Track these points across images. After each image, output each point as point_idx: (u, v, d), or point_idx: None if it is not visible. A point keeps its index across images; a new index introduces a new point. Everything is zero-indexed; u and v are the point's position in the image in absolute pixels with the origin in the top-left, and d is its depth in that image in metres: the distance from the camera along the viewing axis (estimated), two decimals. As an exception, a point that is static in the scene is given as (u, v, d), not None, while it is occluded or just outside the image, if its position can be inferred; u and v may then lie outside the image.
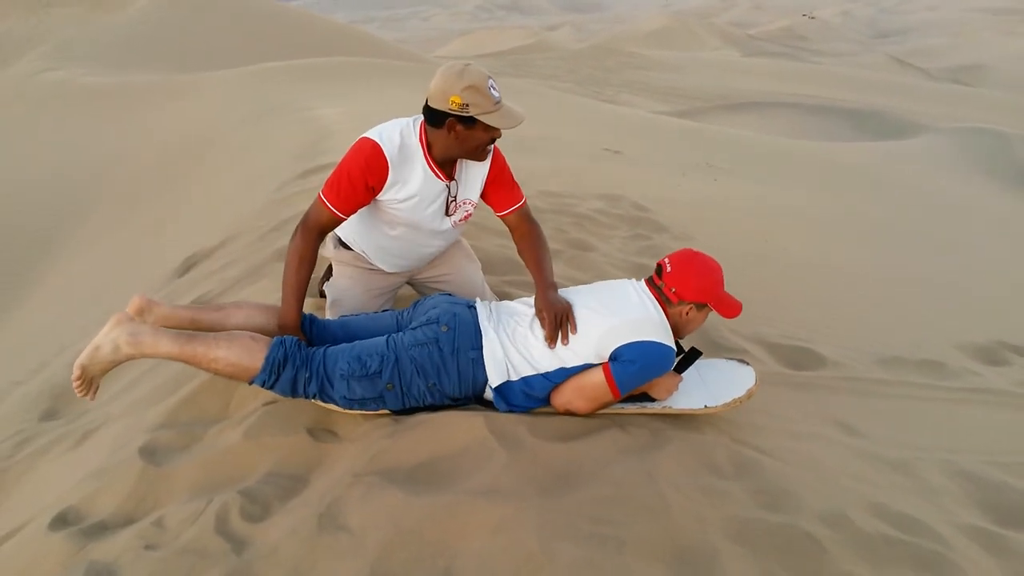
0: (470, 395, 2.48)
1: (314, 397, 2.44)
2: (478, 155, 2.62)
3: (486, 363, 2.41)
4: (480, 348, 2.42)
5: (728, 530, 2.08)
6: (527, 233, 2.81)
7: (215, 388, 2.78)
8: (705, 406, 2.54)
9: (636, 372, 2.39)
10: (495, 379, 2.41)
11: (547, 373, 2.42)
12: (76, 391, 2.41)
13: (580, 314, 2.45)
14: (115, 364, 2.41)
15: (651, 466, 2.31)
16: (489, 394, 2.47)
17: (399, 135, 2.58)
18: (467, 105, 2.42)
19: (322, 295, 3.13)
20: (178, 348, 2.36)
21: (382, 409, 2.46)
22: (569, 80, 28.90)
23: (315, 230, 2.57)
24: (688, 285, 2.44)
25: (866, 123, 19.18)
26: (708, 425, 2.64)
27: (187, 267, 4.68)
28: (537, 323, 2.47)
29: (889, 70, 34.70)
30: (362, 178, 2.53)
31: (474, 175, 2.76)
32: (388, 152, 2.54)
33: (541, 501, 2.10)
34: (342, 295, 2.95)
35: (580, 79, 29.60)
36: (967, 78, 32.82)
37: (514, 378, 2.42)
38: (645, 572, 1.89)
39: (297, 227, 2.58)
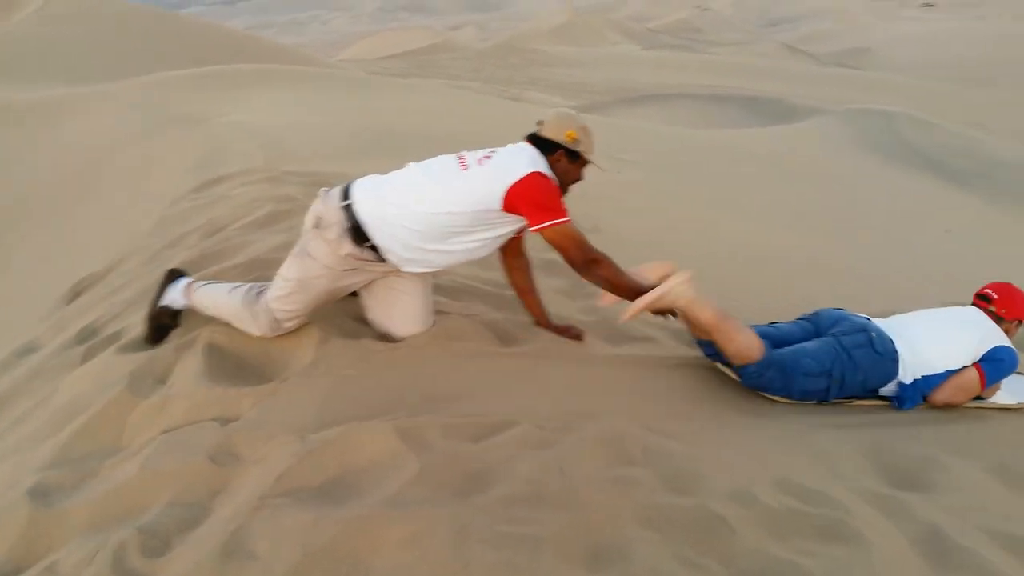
0: (878, 389, 3.05)
1: (769, 391, 2.99)
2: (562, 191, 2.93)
3: (901, 364, 2.98)
4: (896, 351, 2.97)
5: (640, 518, 2.11)
6: (524, 262, 3.34)
7: (109, 417, 2.65)
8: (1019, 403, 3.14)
9: (1003, 369, 3.04)
10: (906, 377, 3.00)
11: (939, 374, 3.01)
12: (627, 319, 2.95)
13: (950, 330, 3.12)
14: (667, 310, 2.92)
15: (563, 460, 2.33)
16: (888, 390, 3.05)
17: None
18: (579, 141, 2.86)
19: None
20: (716, 320, 2.89)
21: (819, 400, 3.01)
22: (475, 79, 28.95)
23: (586, 242, 2.89)
24: (1015, 307, 3.17)
25: (762, 109, 19.94)
26: (619, 415, 2.68)
27: (75, 293, 4.43)
28: (927, 334, 3.09)
29: (781, 57, 36.17)
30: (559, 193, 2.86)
31: None
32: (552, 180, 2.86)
33: (454, 506, 2.08)
34: (305, 286, 2.84)
35: (486, 77, 29.70)
36: (853, 61, 34.57)
37: (908, 380, 3.00)
38: (562, 570, 1.89)
39: (587, 262, 2.89)
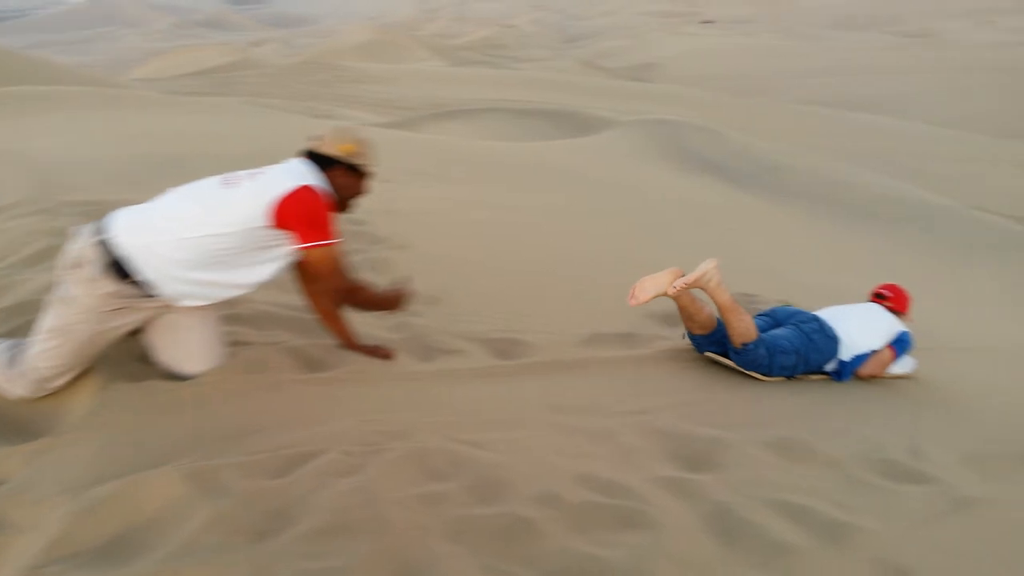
0: (824, 366, 3.82)
1: (757, 367, 3.60)
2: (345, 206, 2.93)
3: (841, 345, 3.78)
4: (839, 336, 3.78)
5: (448, 532, 2.12)
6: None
7: None
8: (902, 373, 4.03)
9: (906, 348, 3.97)
10: (844, 356, 3.82)
11: (865, 353, 3.85)
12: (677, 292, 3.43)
13: (864, 319, 3.98)
14: (696, 286, 3.44)
15: (369, 484, 2.29)
16: (830, 367, 3.85)
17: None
18: (357, 154, 2.85)
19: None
20: (732, 302, 3.51)
21: (788, 376, 3.71)
22: (280, 96, 27.93)
23: (346, 270, 2.88)
24: (903, 303, 4.14)
25: (566, 122, 20.86)
26: (427, 430, 2.68)
27: None
28: (854, 323, 3.89)
29: (580, 72, 38.10)
30: (329, 211, 2.76)
31: None
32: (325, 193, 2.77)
33: (252, 550, 1.97)
34: (68, 335, 2.56)
35: (292, 94, 28.71)
36: (644, 75, 37.12)
37: (846, 358, 3.82)
38: (369, 597, 1.85)
39: (341, 291, 2.91)
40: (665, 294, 3.44)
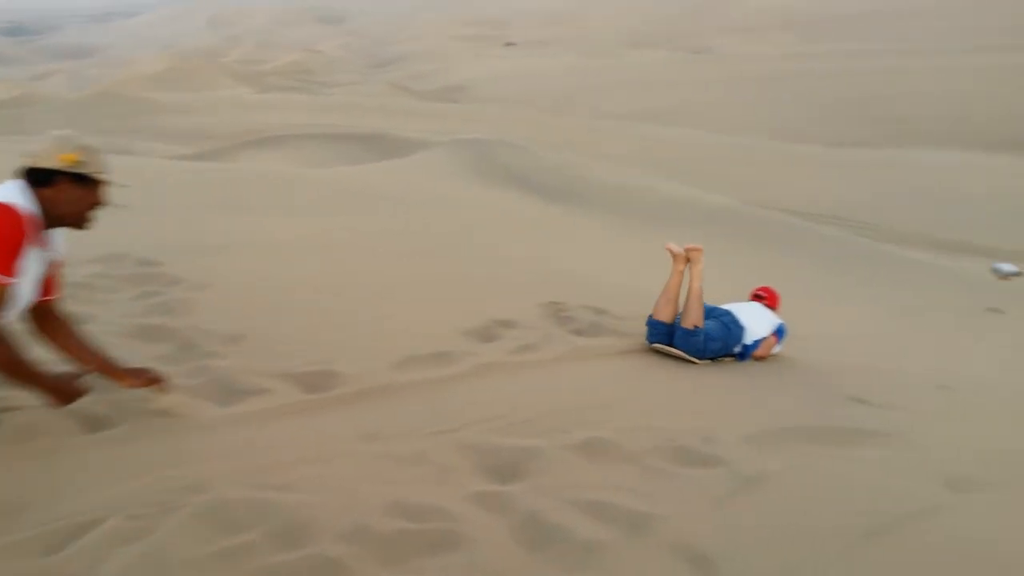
0: (733, 348, 4.71)
1: (695, 351, 4.41)
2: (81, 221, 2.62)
3: (751, 332, 4.72)
4: (743, 326, 4.69)
5: (251, 586, 1.99)
6: (65, 322, 2.87)
7: None
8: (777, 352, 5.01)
9: (784, 336, 4.96)
10: (746, 341, 4.73)
11: (758, 340, 4.78)
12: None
13: (751, 313, 4.87)
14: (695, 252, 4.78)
15: (159, 548, 2.10)
16: (736, 350, 4.72)
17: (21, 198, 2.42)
18: (82, 163, 2.52)
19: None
20: (699, 290, 4.53)
21: (712, 358, 4.56)
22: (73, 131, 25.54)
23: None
24: (775, 301, 5.17)
25: (379, 145, 20.75)
26: (224, 481, 2.51)
27: None
28: (749, 316, 4.85)
29: (390, 95, 38.11)
30: (19, 240, 2.38)
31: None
32: (26, 212, 2.41)
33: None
34: None
35: (85, 130, 26.32)
36: (454, 96, 37.86)
37: (748, 342, 4.73)
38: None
39: None
40: (684, 250, 4.74)
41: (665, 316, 4.49)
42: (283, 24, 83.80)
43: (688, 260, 4.67)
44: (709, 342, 4.44)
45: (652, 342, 4.56)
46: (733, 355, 4.71)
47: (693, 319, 4.36)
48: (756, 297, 5.21)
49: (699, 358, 4.41)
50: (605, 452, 2.99)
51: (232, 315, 4.26)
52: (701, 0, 65.26)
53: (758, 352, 4.78)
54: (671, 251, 4.69)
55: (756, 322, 4.79)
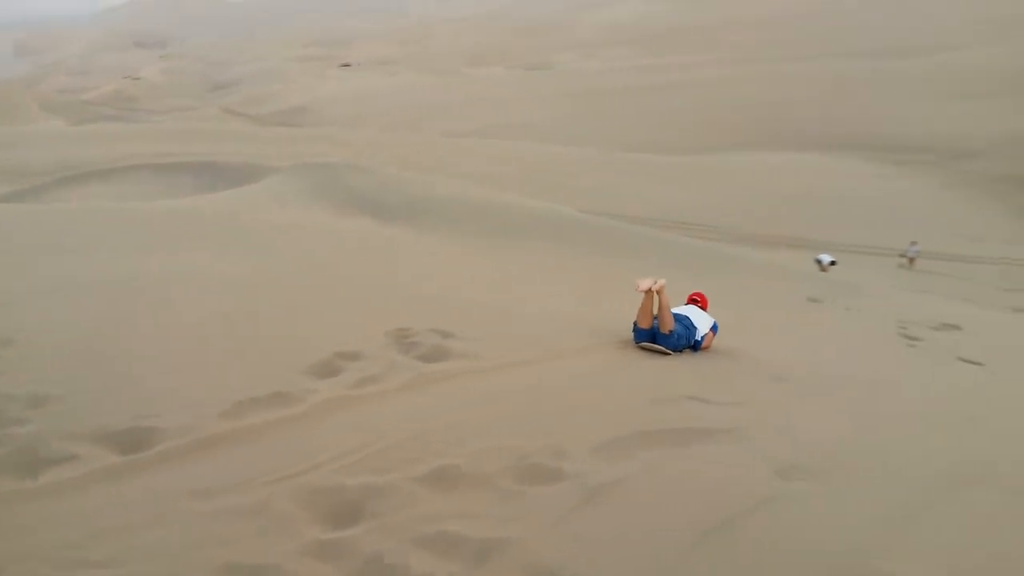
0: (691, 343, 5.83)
1: (670, 345, 5.59)
2: None
3: (697, 330, 5.84)
4: (695, 326, 5.84)
5: None
6: None
7: None
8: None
9: (717, 331, 6.08)
10: (696, 337, 5.84)
11: (703, 335, 5.89)
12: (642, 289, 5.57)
13: (697, 315, 6.00)
14: (660, 288, 5.62)
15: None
16: (694, 341, 5.84)
17: None
18: None
19: None
20: (668, 304, 5.63)
21: (677, 350, 5.68)
22: None
23: None
24: (706, 304, 6.32)
25: (219, 173, 19.78)
26: (17, 567, 2.25)
27: None
28: (695, 317, 5.97)
29: (227, 120, 36.54)
30: None
31: None
32: None
33: None
34: None
35: None
36: (295, 119, 36.82)
37: (698, 338, 5.84)
38: None
39: None
40: (652, 285, 5.56)
41: (645, 324, 5.67)
42: (102, 50, 78.46)
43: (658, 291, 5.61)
44: (679, 340, 5.67)
45: (638, 341, 5.74)
46: (692, 346, 5.88)
47: (668, 326, 5.57)
48: (692, 301, 6.42)
49: (674, 351, 5.60)
50: (455, 480, 2.94)
51: (38, 373, 3.86)
52: (537, 17, 67.38)
53: (705, 344, 5.97)
54: (644, 289, 5.59)
55: (701, 321, 6.00)
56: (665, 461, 3.30)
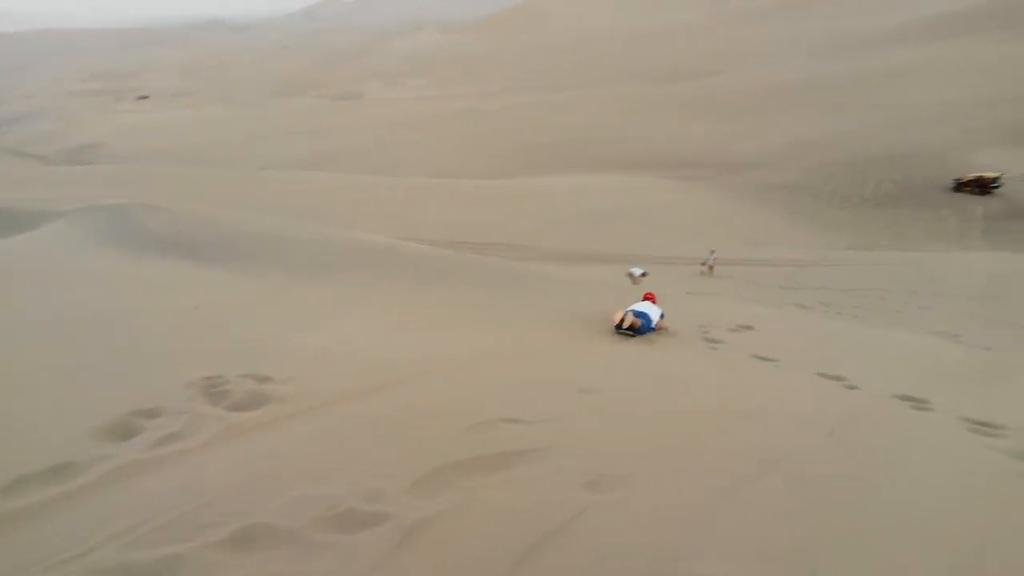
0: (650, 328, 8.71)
1: (642, 333, 8.60)
2: None
3: (652, 320, 8.79)
4: (650, 316, 8.78)
5: None
6: None
7: None
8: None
9: (664, 316, 9.14)
10: (651, 324, 8.76)
11: (656, 322, 8.83)
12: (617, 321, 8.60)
13: (650, 309, 8.96)
14: (629, 319, 8.59)
15: None
16: (651, 327, 8.78)
17: None
18: None
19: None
20: (632, 317, 8.61)
21: (642, 333, 8.62)
22: None
23: None
24: (654, 299, 9.46)
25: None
26: None
27: None
28: (648, 309, 8.97)
29: (5, 162, 32.88)
30: None
31: None
32: None
33: None
34: None
35: None
36: (84, 157, 33.74)
37: (651, 326, 8.77)
38: None
39: None
40: (624, 318, 8.46)
41: (617, 322, 8.41)
42: None
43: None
44: (643, 330, 8.44)
45: (617, 332, 8.38)
46: (651, 331, 8.63)
47: (636, 325, 8.35)
48: (646, 298, 9.32)
49: (640, 335, 8.38)
50: (259, 540, 2.76)
51: None
52: (337, 47, 66.68)
53: (657, 327, 8.80)
54: (617, 322, 8.53)
55: (653, 313, 8.79)
56: (483, 489, 3.30)
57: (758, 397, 5.87)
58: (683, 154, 49.42)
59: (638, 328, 8.42)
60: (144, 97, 56.72)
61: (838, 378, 6.99)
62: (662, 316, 8.93)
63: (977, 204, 43.69)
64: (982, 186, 45.48)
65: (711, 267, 26.11)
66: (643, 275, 22.10)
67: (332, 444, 3.90)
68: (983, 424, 5.70)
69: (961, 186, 46.55)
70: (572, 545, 2.81)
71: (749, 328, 9.83)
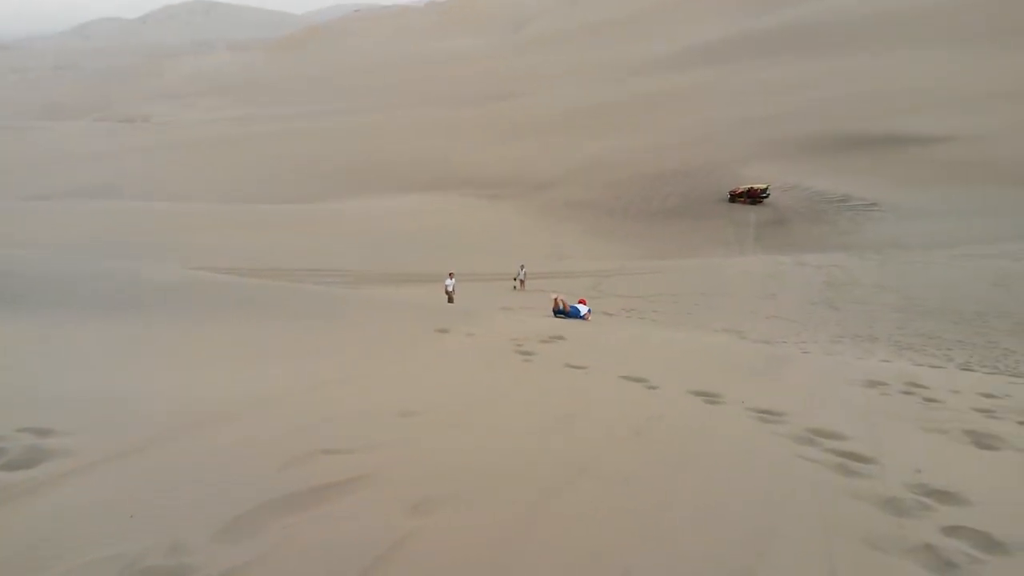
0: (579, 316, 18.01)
1: (571, 317, 17.29)
2: None
3: (583, 313, 18.57)
4: (580, 311, 18.59)
5: None
6: None
7: None
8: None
9: (591, 312, 20.06)
10: (581, 315, 18.43)
11: (585, 314, 18.58)
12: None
13: (581, 307, 18.96)
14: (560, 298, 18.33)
15: None
16: (579, 317, 18.28)
17: None
18: None
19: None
20: (562, 300, 18.81)
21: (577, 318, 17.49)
22: None
23: None
24: (585, 302, 19.97)
25: None
26: None
27: None
28: (580, 309, 18.96)
29: None
30: None
31: None
32: None
33: None
34: None
35: None
36: None
37: (580, 315, 18.39)
38: None
39: None
40: (556, 297, 17.92)
41: (554, 307, 15.39)
42: None
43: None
44: (573, 315, 15.61)
45: (556, 316, 15.00)
46: (582, 318, 15.97)
47: (566, 308, 15.94)
48: (581, 302, 17.60)
49: (570, 317, 14.84)
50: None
51: None
52: (123, 67, 61.76)
53: (586, 318, 16.10)
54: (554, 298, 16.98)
55: (583, 309, 17.07)
56: (299, 527, 3.14)
57: (569, 405, 6.12)
58: (489, 174, 50.84)
59: (570, 310, 15.58)
60: None
61: (641, 380, 7.46)
62: (590, 312, 16.24)
63: (750, 212, 48.85)
64: (753, 197, 51.06)
65: (523, 281, 27.07)
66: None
67: (126, 498, 3.53)
68: (767, 412, 6.32)
69: (735, 197, 51.95)
70: (396, 572, 2.75)
71: (560, 338, 10.23)
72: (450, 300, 21.13)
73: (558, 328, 11.29)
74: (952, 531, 3.76)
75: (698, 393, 6.95)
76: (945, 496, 4.28)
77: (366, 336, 9.20)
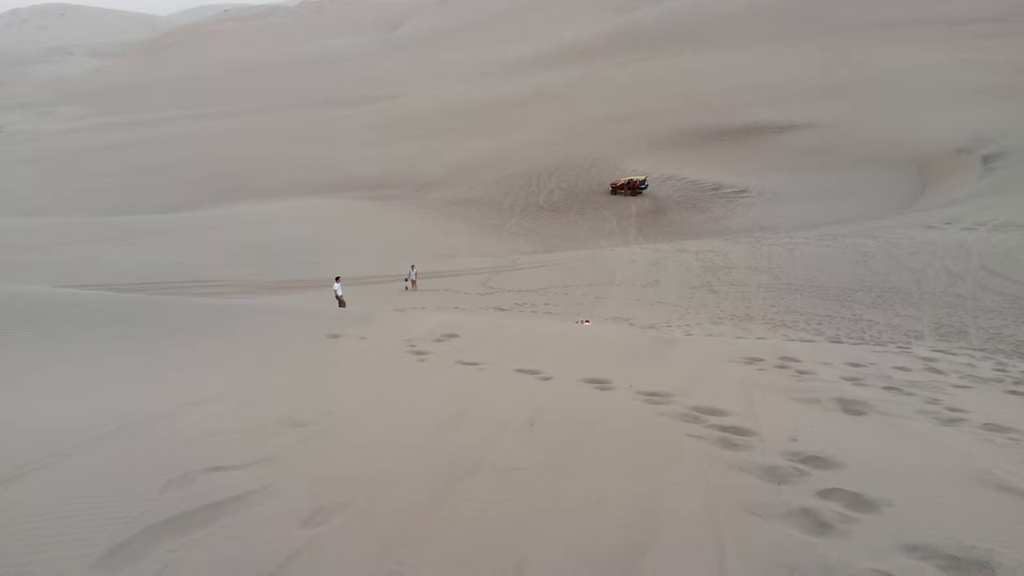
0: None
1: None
2: None
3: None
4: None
5: None
6: None
7: None
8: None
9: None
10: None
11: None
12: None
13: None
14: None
15: None
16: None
17: None
18: None
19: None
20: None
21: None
22: None
23: None
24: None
25: None
26: None
27: None
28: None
29: None
30: None
31: None
32: None
33: None
34: None
35: None
36: None
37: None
38: None
39: None
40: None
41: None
42: None
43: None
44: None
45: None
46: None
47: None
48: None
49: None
50: None
51: None
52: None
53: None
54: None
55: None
56: (184, 549, 3.00)
57: (463, 401, 6.12)
58: (372, 175, 50.07)
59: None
60: None
61: (534, 372, 7.56)
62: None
63: (631, 203, 50.42)
64: (633, 188, 52.79)
65: (414, 282, 26.86)
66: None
67: (-6, 538, 3.25)
68: (654, 394, 6.56)
69: (617, 189, 53.55)
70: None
71: (454, 336, 10.22)
72: (341, 305, 20.67)
73: (451, 326, 11.25)
74: (827, 494, 4.03)
75: (589, 380, 7.11)
76: (819, 461, 4.58)
77: (252, 346, 8.87)
